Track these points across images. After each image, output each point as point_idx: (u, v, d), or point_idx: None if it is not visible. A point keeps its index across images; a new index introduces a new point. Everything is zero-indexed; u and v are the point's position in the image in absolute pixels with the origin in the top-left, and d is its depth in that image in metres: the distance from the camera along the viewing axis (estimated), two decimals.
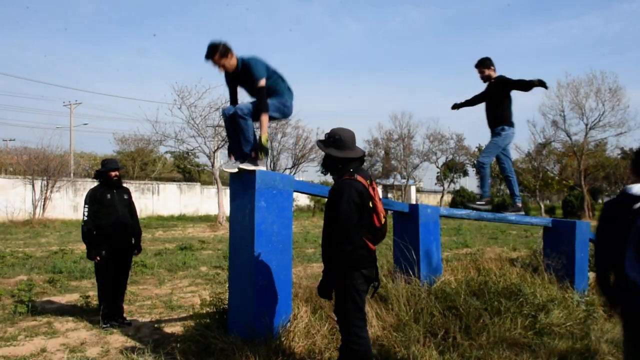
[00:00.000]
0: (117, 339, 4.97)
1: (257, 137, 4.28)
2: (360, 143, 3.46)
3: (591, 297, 5.72)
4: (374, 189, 3.32)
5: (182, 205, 30.83)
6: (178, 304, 6.53)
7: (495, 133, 6.07)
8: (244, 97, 4.61)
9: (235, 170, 4.23)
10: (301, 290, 4.78)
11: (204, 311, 4.80)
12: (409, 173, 39.75)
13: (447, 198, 45.00)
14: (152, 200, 29.32)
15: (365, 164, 3.60)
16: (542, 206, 38.28)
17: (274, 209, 4.23)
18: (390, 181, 42.50)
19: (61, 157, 25.92)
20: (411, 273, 5.30)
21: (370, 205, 3.24)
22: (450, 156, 41.71)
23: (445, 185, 45.28)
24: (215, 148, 22.63)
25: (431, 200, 46.04)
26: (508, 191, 6.52)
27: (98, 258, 5.48)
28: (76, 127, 39.48)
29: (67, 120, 38.98)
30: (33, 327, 5.36)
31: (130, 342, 4.85)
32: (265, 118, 4.25)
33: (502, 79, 5.95)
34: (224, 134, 5.05)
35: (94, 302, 6.17)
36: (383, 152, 41.77)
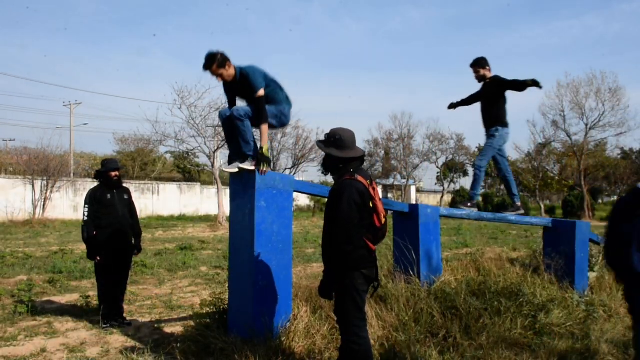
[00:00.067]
0: (117, 339, 4.97)
1: (258, 147, 4.26)
2: (360, 143, 3.46)
3: (591, 297, 5.73)
4: (374, 189, 3.32)
5: (182, 205, 30.82)
6: (178, 304, 6.53)
7: (489, 134, 6.08)
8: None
9: (236, 170, 4.23)
10: (301, 290, 4.78)
11: (204, 311, 4.80)
12: (409, 173, 39.75)
13: (447, 198, 44.99)
14: (152, 200, 29.32)
15: (365, 164, 3.60)
16: (542, 206, 38.27)
17: (274, 209, 4.23)
18: (390, 181, 42.49)
19: (61, 157, 25.90)
20: (411, 273, 5.30)
21: (371, 205, 3.24)
22: (450, 156, 41.71)
23: (445, 185, 45.28)
24: (215, 148, 22.63)
25: (431, 200, 46.03)
26: (506, 191, 6.52)
27: (98, 258, 5.48)
28: (76, 127, 39.51)
29: (67, 120, 39.03)
30: (33, 327, 5.36)
31: (130, 342, 4.85)
32: (265, 128, 4.25)
33: (497, 79, 5.95)
34: (224, 134, 5.04)
35: (94, 302, 6.17)
36: (383, 152, 41.77)
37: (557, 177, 38.92)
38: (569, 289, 5.80)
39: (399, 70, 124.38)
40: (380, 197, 3.40)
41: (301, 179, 20.11)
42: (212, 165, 22.73)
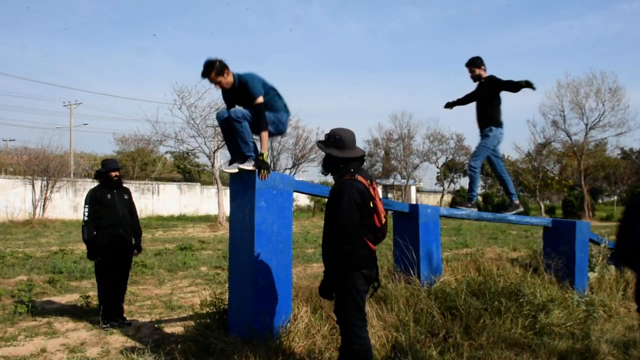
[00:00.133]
0: (117, 339, 4.97)
1: (258, 152, 4.26)
2: (360, 143, 3.46)
3: (591, 297, 5.73)
4: (374, 189, 3.32)
5: (182, 205, 30.82)
6: (178, 304, 6.53)
7: (483, 134, 6.08)
8: None
9: (235, 170, 4.23)
10: (301, 290, 4.78)
11: (204, 311, 4.80)
12: (409, 173, 39.76)
13: (447, 198, 44.99)
14: (152, 200, 29.32)
15: (365, 164, 3.60)
16: (542, 206, 38.27)
17: (274, 209, 4.23)
18: (390, 181, 42.49)
19: (61, 157, 25.88)
20: (411, 273, 5.30)
21: (371, 205, 3.25)
22: (450, 156, 41.73)
23: (445, 185, 45.29)
24: (215, 148, 22.63)
25: (431, 200, 46.03)
26: (504, 191, 6.51)
27: (98, 258, 5.48)
28: (76, 127, 39.51)
29: (67, 120, 39.03)
30: (33, 327, 5.36)
31: (130, 342, 4.85)
32: (265, 135, 4.24)
33: (492, 79, 5.95)
34: (223, 135, 5.04)
35: (94, 302, 6.17)
36: (383, 152, 41.78)
37: (557, 177, 38.92)
38: (569, 289, 5.80)
39: (399, 70, 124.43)
40: (380, 197, 3.41)
41: (301, 179, 20.10)
42: (212, 165, 22.73)
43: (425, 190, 51.50)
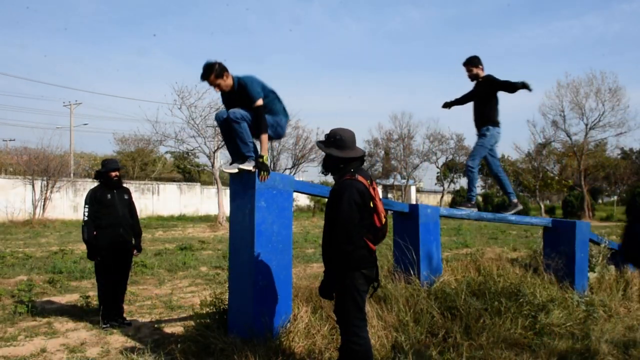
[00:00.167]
0: (117, 339, 4.97)
1: (258, 154, 4.26)
2: (360, 143, 3.46)
3: (591, 297, 5.72)
4: (374, 189, 3.32)
5: (182, 205, 30.82)
6: (178, 304, 6.53)
7: (480, 134, 6.07)
8: None
9: (235, 170, 4.23)
10: (301, 290, 4.78)
11: (204, 311, 4.80)
12: (409, 173, 39.75)
13: (447, 198, 44.99)
14: (152, 200, 29.32)
15: (365, 164, 3.60)
16: (542, 206, 38.27)
17: (274, 209, 4.23)
18: (390, 181, 42.48)
19: (61, 157, 25.88)
20: (411, 273, 5.30)
21: (371, 205, 3.25)
22: (450, 156, 41.72)
23: (445, 186, 45.29)
24: (215, 148, 22.62)
25: (431, 200, 46.03)
26: (501, 190, 6.51)
27: (98, 258, 5.48)
28: (76, 127, 39.51)
29: (67, 120, 39.03)
30: (33, 327, 5.36)
31: (130, 342, 4.85)
32: (265, 138, 4.23)
33: (489, 79, 5.94)
34: (222, 136, 5.06)
35: (94, 302, 6.17)
36: (383, 152, 41.77)
37: (557, 177, 38.92)
38: (569, 289, 5.80)
39: (399, 70, 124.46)
40: (380, 197, 3.41)
41: (301, 179, 20.10)
42: (212, 165, 22.72)
43: (425, 190, 51.49)
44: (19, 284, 7.17)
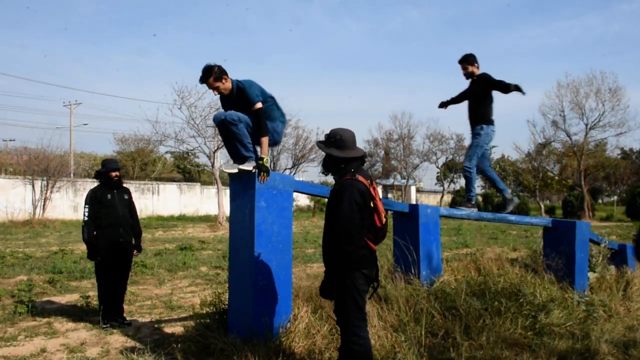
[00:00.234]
0: (117, 339, 4.97)
1: (258, 156, 4.26)
2: (360, 143, 3.46)
3: (591, 297, 5.72)
4: (374, 189, 3.32)
5: (182, 205, 30.82)
6: (178, 304, 6.53)
7: (475, 133, 6.06)
8: None
9: (235, 170, 4.23)
10: (301, 290, 4.78)
11: (204, 311, 4.80)
12: (409, 173, 39.73)
13: (447, 198, 44.97)
14: (152, 200, 29.32)
15: (365, 164, 3.60)
16: (542, 206, 38.26)
17: (274, 209, 4.23)
18: (390, 181, 42.46)
19: (61, 157, 25.87)
20: (411, 273, 5.30)
21: (372, 205, 3.25)
22: (450, 156, 41.68)
23: (445, 186, 45.25)
24: (215, 148, 22.61)
25: (431, 200, 46.01)
26: (493, 188, 6.51)
27: (98, 258, 5.48)
28: (76, 127, 39.50)
29: (67, 120, 39.02)
30: (33, 327, 5.36)
31: (130, 342, 4.85)
32: (265, 140, 4.23)
33: (484, 77, 5.93)
34: (221, 137, 5.08)
35: (94, 302, 6.17)
36: (383, 152, 41.75)
37: (557, 177, 38.92)
38: (569, 289, 5.80)
39: (399, 70, 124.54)
40: (380, 197, 3.41)
41: (301, 179, 20.09)
42: (212, 166, 22.72)
43: (425, 190, 51.48)
44: (19, 284, 7.17)
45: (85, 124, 79.08)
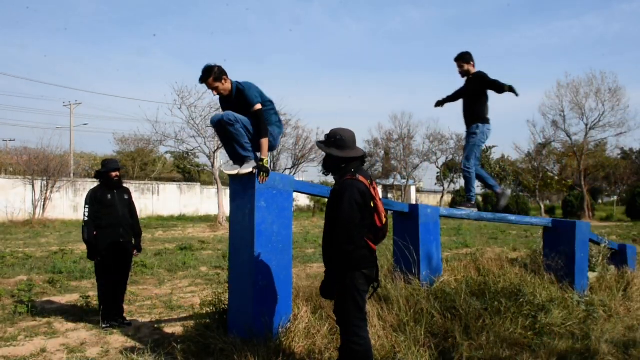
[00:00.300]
0: (117, 339, 4.97)
1: (258, 158, 4.26)
2: (360, 143, 3.47)
3: (591, 297, 5.72)
4: (374, 189, 3.32)
5: (182, 205, 30.83)
6: (178, 304, 6.53)
7: (471, 132, 6.05)
8: None
9: (235, 172, 4.23)
10: (301, 290, 4.78)
11: (204, 311, 4.80)
12: (409, 173, 39.73)
13: (447, 198, 44.96)
14: (152, 200, 29.32)
15: (365, 164, 3.61)
16: (542, 206, 38.26)
17: (274, 209, 4.23)
18: (390, 181, 42.46)
19: (61, 157, 25.87)
20: (411, 273, 5.30)
21: (372, 205, 3.25)
22: (450, 156, 41.65)
23: (445, 186, 45.24)
24: (215, 148, 22.60)
25: (431, 200, 46.01)
26: (484, 186, 6.48)
27: (98, 258, 5.48)
28: (76, 127, 39.50)
29: (67, 120, 39.03)
30: (33, 327, 5.36)
31: (130, 342, 4.85)
32: (265, 142, 4.22)
33: (479, 75, 5.92)
34: (219, 139, 5.12)
35: (94, 302, 6.17)
36: (383, 152, 41.75)
37: (557, 177, 38.91)
38: (569, 289, 5.80)
39: (399, 70, 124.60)
40: (380, 197, 3.41)
41: (301, 179, 20.10)
42: (212, 166, 22.72)
43: (425, 190, 51.48)
44: (19, 284, 7.17)
45: (85, 124, 79.23)
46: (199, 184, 33.22)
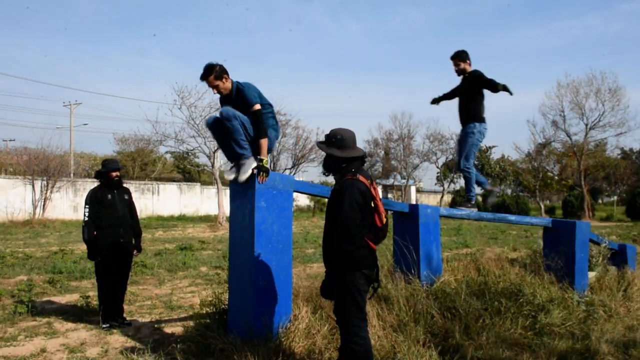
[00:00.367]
0: (117, 339, 4.97)
1: (258, 158, 4.26)
2: (360, 143, 3.47)
3: (591, 297, 5.72)
4: (374, 189, 3.32)
5: (182, 205, 30.82)
6: (178, 304, 6.53)
7: (468, 132, 6.04)
8: None
9: (232, 177, 4.23)
10: (301, 290, 4.78)
11: (204, 311, 4.80)
12: (409, 173, 39.73)
13: (447, 198, 44.96)
14: (152, 200, 29.31)
15: (365, 164, 3.61)
16: (542, 206, 38.26)
17: (274, 209, 4.23)
18: (390, 181, 42.45)
19: (61, 157, 25.85)
20: (411, 273, 5.30)
21: (372, 205, 3.25)
22: (450, 156, 41.59)
23: (445, 186, 45.23)
24: (215, 148, 22.57)
25: (431, 200, 46.00)
26: (475, 183, 6.43)
27: (98, 258, 5.48)
28: (76, 127, 39.50)
29: (67, 120, 39.02)
30: (33, 327, 5.36)
31: (130, 342, 4.85)
32: (264, 142, 4.22)
33: (475, 74, 5.91)
34: (216, 141, 5.14)
35: (94, 302, 6.17)
36: (383, 152, 41.74)
37: (557, 177, 38.92)
38: (569, 289, 5.80)
39: (399, 70, 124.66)
40: (380, 197, 3.41)
41: (301, 179, 20.10)
42: (212, 166, 22.72)
43: (425, 190, 51.47)
44: (19, 284, 7.17)
45: (85, 124, 79.28)
46: (199, 184, 33.22)
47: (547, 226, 6.62)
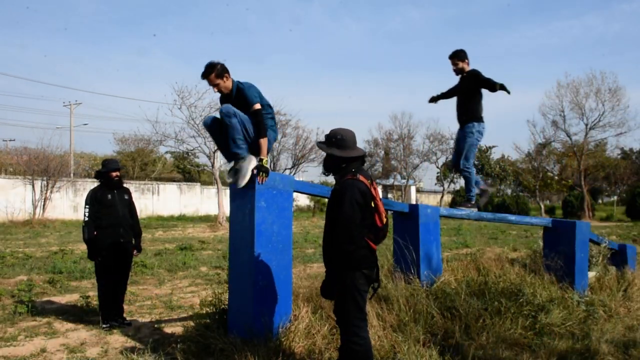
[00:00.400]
0: (117, 339, 4.97)
1: (258, 158, 4.26)
2: (360, 143, 3.47)
3: (591, 297, 5.72)
4: (375, 189, 3.32)
5: (182, 205, 30.82)
6: (178, 304, 6.53)
7: (465, 132, 6.04)
8: None
9: (231, 180, 4.23)
10: (301, 290, 4.78)
11: (204, 311, 4.80)
12: (409, 173, 39.73)
13: (447, 198, 44.96)
14: (152, 200, 29.31)
15: (365, 164, 3.61)
16: (542, 206, 38.25)
17: (274, 209, 4.23)
18: (390, 181, 42.46)
19: (61, 157, 25.85)
20: (411, 273, 5.31)
21: (373, 205, 3.25)
22: (450, 156, 41.64)
23: (445, 186, 45.24)
24: (215, 148, 22.60)
25: (431, 200, 46.00)
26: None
27: (98, 258, 5.48)
28: (76, 127, 39.50)
29: (67, 120, 39.02)
30: (33, 327, 5.36)
31: (130, 342, 4.85)
32: (264, 142, 4.22)
33: (474, 73, 5.90)
34: (214, 142, 5.15)
35: (94, 302, 6.17)
36: (383, 152, 41.75)
37: (557, 177, 38.92)
38: (569, 289, 5.80)
39: (399, 70, 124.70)
40: (380, 197, 3.41)
41: (301, 179, 20.10)
42: (212, 166, 22.71)
43: (425, 190, 51.47)
44: (19, 284, 7.17)
45: (85, 124, 79.30)
46: (199, 184, 33.22)
47: (547, 226, 6.62)
